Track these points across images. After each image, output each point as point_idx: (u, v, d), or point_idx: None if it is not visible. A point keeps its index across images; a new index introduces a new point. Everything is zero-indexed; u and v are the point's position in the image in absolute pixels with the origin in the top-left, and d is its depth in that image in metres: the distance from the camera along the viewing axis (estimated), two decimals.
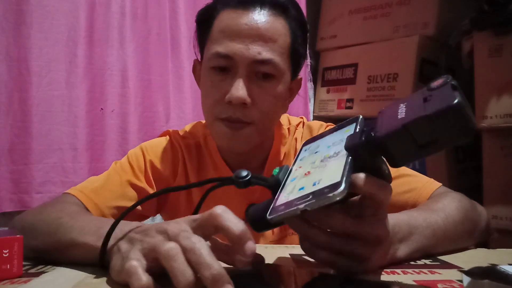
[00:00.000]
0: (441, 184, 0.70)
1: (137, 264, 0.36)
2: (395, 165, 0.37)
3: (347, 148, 0.38)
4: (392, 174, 0.41)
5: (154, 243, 0.37)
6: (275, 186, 0.43)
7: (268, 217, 0.37)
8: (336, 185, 0.34)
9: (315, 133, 0.80)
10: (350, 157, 0.37)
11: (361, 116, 0.44)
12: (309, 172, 0.41)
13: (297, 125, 0.83)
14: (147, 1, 1.44)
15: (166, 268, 0.35)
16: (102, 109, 1.34)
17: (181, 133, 0.82)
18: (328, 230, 0.41)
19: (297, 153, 0.49)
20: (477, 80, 1.33)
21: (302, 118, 0.86)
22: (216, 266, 0.34)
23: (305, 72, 1.86)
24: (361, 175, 0.37)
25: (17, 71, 1.21)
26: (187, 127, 0.84)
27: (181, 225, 0.39)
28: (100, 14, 1.34)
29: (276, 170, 0.45)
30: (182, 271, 0.34)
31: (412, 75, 1.53)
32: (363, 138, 0.37)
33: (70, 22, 1.29)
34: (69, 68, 1.29)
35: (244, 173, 0.43)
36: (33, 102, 1.22)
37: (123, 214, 0.45)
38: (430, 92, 0.36)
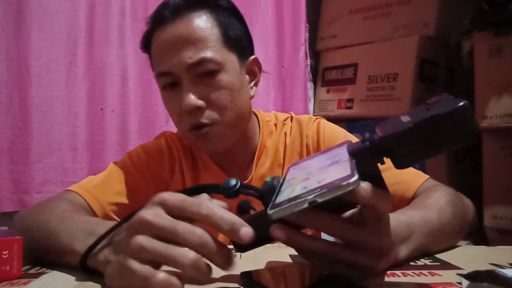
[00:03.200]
0: (428, 176, 0.71)
1: (164, 277, 0.35)
2: (400, 166, 0.37)
3: (351, 152, 0.38)
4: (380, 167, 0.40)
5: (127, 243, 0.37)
6: (269, 192, 0.40)
7: (269, 212, 0.34)
8: (348, 176, 0.33)
9: (304, 127, 0.80)
10: (354, 160, 0.37)
11: (351, 141, 0.44)
12: (307, 177, 0.39)
13: (285, 120, 0.83)
14: (147, 1, 1.44)
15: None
16: (102, 109, 1.34)
17: (176, 134, 0.83)
18: (329, 240, 0.40)
19: (284, 175, 0.46)
20: (477, 80, 1.33)
21: (290, 113, 0.86)
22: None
23: (305, 72, 1.86)
24: (365, 185, 0.35)
25: (17, 71, 1.21)
26: None
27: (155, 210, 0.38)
28: (100, 14, 1.34)
29: (269, 179, 0.43)
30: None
31: (412, 75, 1.52)
32: (367, 143, 0.37)
33: (70, 22, 1.29)
34: (69, 68, 1.29)
35: (233, 182, 0.41)
36: (33, 102, 1.22)
37: (118, 224, 0.44)
38: (430, 105, 0.36)
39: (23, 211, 0.64)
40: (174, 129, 0.86)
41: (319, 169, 0.40)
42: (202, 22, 0.68)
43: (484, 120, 1.29)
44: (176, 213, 0.38)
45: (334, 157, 0.40)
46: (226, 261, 0.36)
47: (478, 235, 1.26)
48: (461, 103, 0.33)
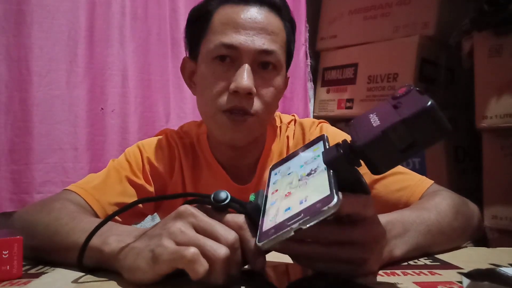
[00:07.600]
0: (433, 181, 0.70)
1: (197, 251, 0.37)
2: (377, 172, 0.37)
3: (327, 162, 0.38)
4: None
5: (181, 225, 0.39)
6: (255, 212, 0.41)
7: (259, 243, 0.35)
8: (328, 198, 0.33)
9: (307, 131, 0.80)
10: (331, 171, 0.37)
11: (325, 135, 0.45)
12: (289, 192, 0.39)
13: (289, 123, 0.83)
14: (147, 1, 1.44)
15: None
16: (102, 109, 1.34)
17: (177, 132, 0.82)
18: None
19: (268, 178, 0.47)
20: (477, 80, 1.33)
21: (293, 115, 0.86)
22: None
23: (305, 72, 1.86)
24: (343, 200, 0.35)
25: (17, 71, 1.20)
26: (182, 126, 0.84)
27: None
28: (100, 14, 1.34)
29: (253, 196, 0.44)
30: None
31: (412, 75, 1.52)
32: (341, 151, 0.37)
33: (71, 22, 1.29)
34: (70, 68, 1.29)
35: (223, 195, 0.42)
36: (33, 102, 1.22)
37: (111, 215, 0.46)
38: (397, 100, 0.36)
39: (23, 210, 0.64)
40: (174, 128, 0.86)
41: (299, 179, 0.40)
42: (278, 23, 0.71)
43: (484, 120, 1.29)
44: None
45: (312, 162, 0.41)
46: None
47: None
48: (427, 104, 0.33)
